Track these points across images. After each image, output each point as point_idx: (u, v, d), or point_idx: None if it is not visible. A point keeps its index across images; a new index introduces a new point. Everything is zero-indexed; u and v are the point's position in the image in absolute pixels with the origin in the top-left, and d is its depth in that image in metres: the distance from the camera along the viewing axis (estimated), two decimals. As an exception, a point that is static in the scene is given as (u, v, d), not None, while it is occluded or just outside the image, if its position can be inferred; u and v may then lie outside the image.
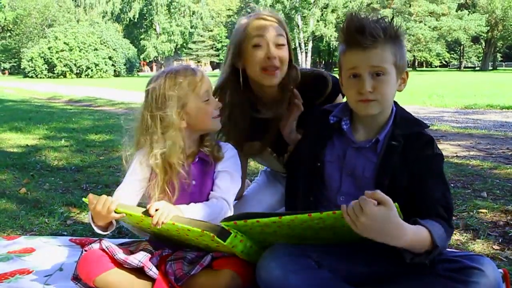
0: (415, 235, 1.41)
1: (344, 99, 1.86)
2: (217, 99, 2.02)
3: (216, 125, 1.93)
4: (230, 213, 1.87)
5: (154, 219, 1.64)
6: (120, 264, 1.74)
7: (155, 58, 65.49)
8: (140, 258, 1.73)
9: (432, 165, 1.64)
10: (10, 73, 51.96)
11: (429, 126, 1.72)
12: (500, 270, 1.71)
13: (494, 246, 2.39)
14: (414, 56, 53.29)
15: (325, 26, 47.86)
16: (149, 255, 1.76)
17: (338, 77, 1.84)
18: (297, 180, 1.85)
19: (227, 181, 1.91)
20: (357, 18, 1.59)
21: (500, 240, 2.47)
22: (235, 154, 1.99)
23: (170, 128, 1.80)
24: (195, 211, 1.78)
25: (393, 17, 1.63)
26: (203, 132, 1.93)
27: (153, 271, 1.72)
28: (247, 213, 1.58)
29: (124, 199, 1.84)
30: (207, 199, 1.89)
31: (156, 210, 1.66)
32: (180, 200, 1.85)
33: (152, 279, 1.75)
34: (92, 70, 41.41)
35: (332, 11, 48.49)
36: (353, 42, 1.59)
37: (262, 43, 2.06)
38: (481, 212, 2.88)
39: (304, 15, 47.38)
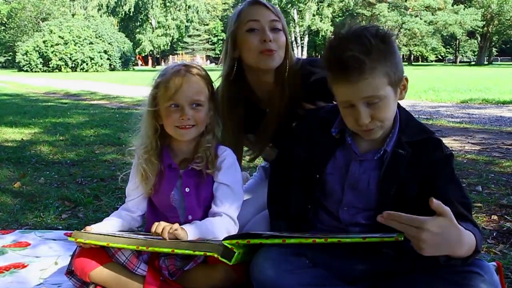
0: (469, 239, 1.34)
1: None
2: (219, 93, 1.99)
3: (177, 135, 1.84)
4: (236, 228, 1.84)
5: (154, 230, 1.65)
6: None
7: (150, 52, 65.33)
8: (128, 255, 1.72)
9: (445, 169, 1.55)
10: (3, 67, 51.66)
11: (435, 133, 1.62)
12: (494, 263, 1.72)
13: (488, 240, 2.40)
14: (409, 50, 53.41)
15: (321, 21, 47.87)
16: (136, 253, 1.74)
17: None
18: (287, 185, 1.77)
19: (229, 196, 1.84)
20: (336, 50, 1.46)
21: (494, 234, 2.48)
22: (234, 161, 1.91)
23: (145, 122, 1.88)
24: (201, 231, 1.73)
25: (378, 28, 1.48)
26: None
27: (141, 269, 1.72)
28: (249, 233, 1.53)
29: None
30: (207, 208, 1.86)
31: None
32: (174, 210, 1.85)
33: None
34: (87, 64, 41.24)
35: (328, 5, 48.52)
36: (338, 78, 1.47)
37: (257, 27, 1.98)
38: (476, 206, 2.88)
39: (300, 9, 47.34)
